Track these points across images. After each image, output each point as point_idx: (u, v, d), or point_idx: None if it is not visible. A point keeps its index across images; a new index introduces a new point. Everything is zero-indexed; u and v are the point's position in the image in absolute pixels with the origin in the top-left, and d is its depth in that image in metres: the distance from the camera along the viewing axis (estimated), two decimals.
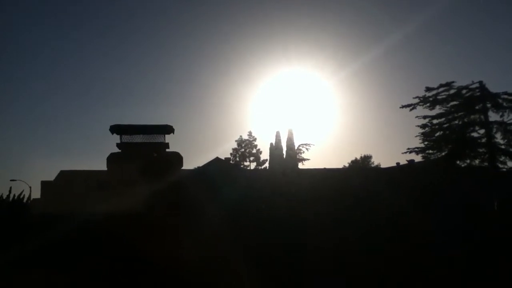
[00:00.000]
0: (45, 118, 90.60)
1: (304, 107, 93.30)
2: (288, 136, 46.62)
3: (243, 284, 10.30)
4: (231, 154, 55.87)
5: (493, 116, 31.84)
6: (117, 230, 10.48)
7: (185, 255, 10.22)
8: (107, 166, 12.35)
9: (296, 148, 48.93)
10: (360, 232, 14.83)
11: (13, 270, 9.71)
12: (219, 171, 34.46)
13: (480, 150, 31.85)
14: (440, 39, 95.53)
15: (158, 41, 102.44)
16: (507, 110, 31.38)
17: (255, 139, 56.98)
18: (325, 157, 78.15)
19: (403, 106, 34.23)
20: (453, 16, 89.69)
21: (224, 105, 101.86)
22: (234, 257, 11.06)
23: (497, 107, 31.57)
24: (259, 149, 56.67)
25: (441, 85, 33.00)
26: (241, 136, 57.38)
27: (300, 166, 49.82)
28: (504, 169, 31.61)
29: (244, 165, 55.50)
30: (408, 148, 34.45)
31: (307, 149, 53.10)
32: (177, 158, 12.49)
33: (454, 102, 32.88)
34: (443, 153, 33.06)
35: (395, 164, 38.62)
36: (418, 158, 34.57)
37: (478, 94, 32.12)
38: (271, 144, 46.18)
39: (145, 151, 12.53)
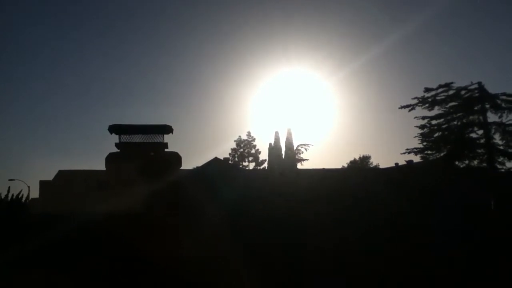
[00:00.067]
0: (44, 118, 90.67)
1: (303, 107, 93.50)
2: (287, 136, 46.69)
3: (243, 284, 10.28)
4: (230, 154, 56.00)
5: (491, 117, 32.04)
6: (117, 230, 10.45)
7: (185, 255, 10.19)
8: (106, 166, 12.29)
9: (295, 148, 48.98)
10: (360, 232, 14.84)
11: (12, 270, 9.66)
12: (218, 171, 34.46)
13: (479, 151, 31.94)
14: (439, 39, 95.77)
15: (157, 41, 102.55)
16: (505, 111, 31.50)
17: (254, 139, 57.10)
18: (324, 157, 78.53)
19: (402, 107, 34.35)
20: (452, 16, 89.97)
21: (223, 105, 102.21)
22: (234, 257, 11.04)
23: (496, 108, 31.66)
24: (258, 149, 56.78)
25: (440, 86, 33.10)
26: (240, 136, 57.53)
27: (299, 166, 49.96)
28: (503, 170, 31.71)
29: (243, 165, 55.52)
30: (407, 149, 34.60)
31: (306, 149, 53.24)
32: (176, 158, 12.45)
33: (453, 103, 32.97)
34: (442, 154, 33.13)
35: (394, 165, 38.72)
36: (417, 158, 34.72)
37: (477, 95, 32.21)
38: (270, 144, 46.26)
39: (144, 151, 12.49)
